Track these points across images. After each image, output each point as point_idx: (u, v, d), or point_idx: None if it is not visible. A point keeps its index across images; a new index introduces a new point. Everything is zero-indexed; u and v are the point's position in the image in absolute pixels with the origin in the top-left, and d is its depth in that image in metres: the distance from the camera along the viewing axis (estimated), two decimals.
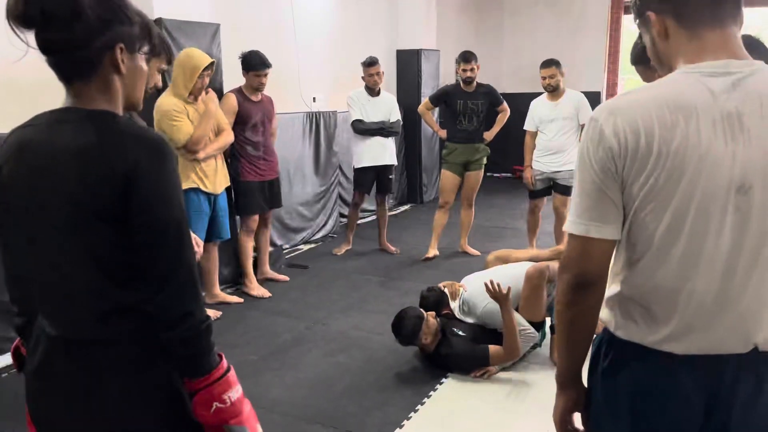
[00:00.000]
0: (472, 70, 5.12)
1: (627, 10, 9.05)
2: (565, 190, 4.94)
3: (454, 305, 3.48)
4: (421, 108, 5.55)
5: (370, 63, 5.22)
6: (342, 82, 6.39)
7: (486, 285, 3.21)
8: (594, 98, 9.01)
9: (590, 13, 9.06)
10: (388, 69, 6.26)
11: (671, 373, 1.14)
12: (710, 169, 1.07)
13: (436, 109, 5.85)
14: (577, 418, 1.33)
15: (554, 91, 4.90)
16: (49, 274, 1.19)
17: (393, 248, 5.60)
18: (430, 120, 5.54)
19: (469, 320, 3.38)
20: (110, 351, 1.18)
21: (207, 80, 3.77)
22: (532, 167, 5.08)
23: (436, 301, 3.50)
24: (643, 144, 1.08)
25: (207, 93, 3.85)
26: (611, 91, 9.66)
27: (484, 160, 5.40)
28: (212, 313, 4.08)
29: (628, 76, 9.80)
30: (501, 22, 9.54)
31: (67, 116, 1.18)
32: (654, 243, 1.12)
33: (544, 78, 4.87)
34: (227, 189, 4.20)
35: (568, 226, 1.18)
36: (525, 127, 5.14)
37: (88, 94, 1.17)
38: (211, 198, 3.94)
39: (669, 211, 1.10)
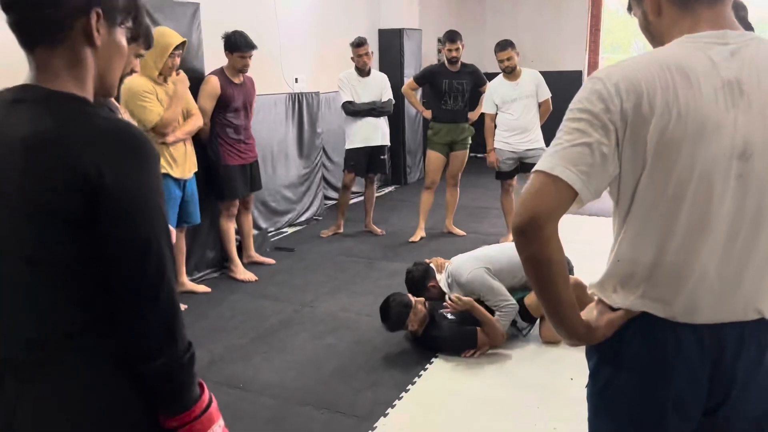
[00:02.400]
0: (457, 50, 5.09)
1: None
2: None
3: (441, 278, 3.50)
4: (405, 88, 5.51)
5: (359, 44, 5.14)
6: (324, 62, 6.32)
7: (449, 301, 3.27)
8: (576, 77, 9.12)
9: None
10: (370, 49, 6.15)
11: (677, 344, 1.14)
12: (712, 134, 1.07)
13: (419, 90, 5.81)
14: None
15: (512, 72, 4.90)
16: None
17: (379, 230, 5.58)
18: (415, 100, 5.50)
19: (455, 294, 3.40)
20: (62, 376, 1.00)
21: (178, 60, 3.64)
22: (495, 150, 5.05)
23: (421, 275, 3.51)
24: (646, 106, 1.07)
25: (178, 74, 3.72)
26: (593, 69, 9.69)
27: (469, 140, 5.39)
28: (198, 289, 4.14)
29: (608, 55, 9.84)
30: (483, 1, 9.48)
31: (23, 95, 0.99)
32: (657, 212, 1.11)
33: (501, 61, 4.86)
34: (201, 173, 4.10)
35: (537, 164, 1.12)
36: (484, 110, 5.10)
37: (52, 67, 0.99)
38: (181, 183, 3.83)
39: (672, 178, 1.08)
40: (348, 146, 5.33)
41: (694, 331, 1.14)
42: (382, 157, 5.41)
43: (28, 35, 1.00)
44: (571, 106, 1.13)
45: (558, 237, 1.11)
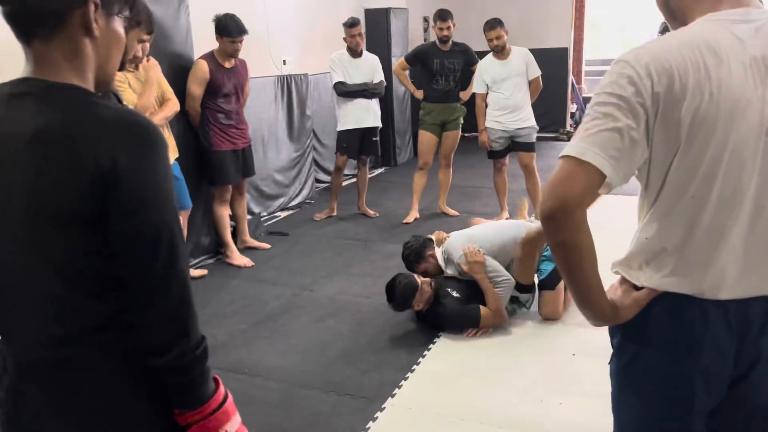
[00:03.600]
0: (448, 28, 5.06)
1: None
2: (529, 147, 4.98)
3: (439, 252, 3.53)
4: (396, 68, 5.48)
5: (352, 24, 5.09)
6: (312, 43, 6.25)
7: (464, 251, 3.30)
8: (561, 54, 9.11)
9: None
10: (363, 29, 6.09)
11: (705, 321, 1.16)
12: (744, 111, 1.08)
13: (408, 69, 5.78)
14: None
15: (502, 51, 4.88)
16: (6, 287, 1.01)
17: (372, 212, 5.58)
18: (406, 80, 5.46)
19: (450, 271, 3.44)
20: (81, 374, 1.00)
21: (147, 46, 3.54)
22: (486, 129, 5.05)
23: (420, 245, 3.54)
24: (678, 88, 1.07)
25: (148, 60, 3.64)
26: (578, 47, 9.71)
27: (461, 120, 5.39)
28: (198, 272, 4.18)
29: (587, 30, 9.87)
30: None
31: (24, 89, 0.97)
32: (689, 192, 1.12)
33: (491, 40, 4.84)
34: (194, 159, 4.06)
35: (565, 150, 1.12)
36: (475, 90, 5.09)
37: (51, 60, 0.96)
38: None
39: (706, 157, 1.09)
40: (340, 128, 5.30)
41: (721, 307, 1.15)
42: (374, 138, 5.38)
43: (24, 27, 0.97)
44: (598, 90, 1.13)
45: (587, 222, 1.11)
